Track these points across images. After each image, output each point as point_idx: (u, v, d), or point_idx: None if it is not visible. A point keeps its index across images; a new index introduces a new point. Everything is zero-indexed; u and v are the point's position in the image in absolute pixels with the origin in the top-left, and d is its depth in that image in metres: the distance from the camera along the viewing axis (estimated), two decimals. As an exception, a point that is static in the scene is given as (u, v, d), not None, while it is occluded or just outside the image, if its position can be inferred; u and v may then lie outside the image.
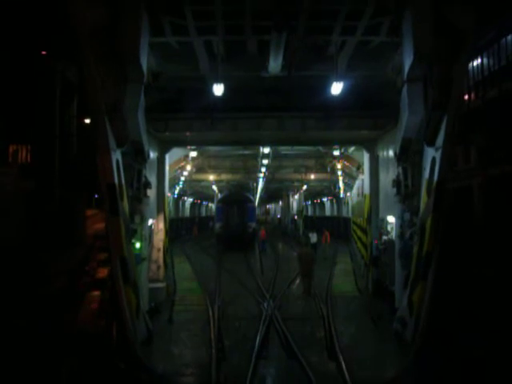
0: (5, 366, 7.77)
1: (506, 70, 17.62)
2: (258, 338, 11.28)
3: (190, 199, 55.80)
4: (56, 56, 19.86)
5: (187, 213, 55.90)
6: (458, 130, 10.56)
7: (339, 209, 46.84)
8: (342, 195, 38.54)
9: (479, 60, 19.71)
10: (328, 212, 54.75)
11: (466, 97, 20.92)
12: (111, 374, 9.00)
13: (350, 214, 34.24)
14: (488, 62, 19.18)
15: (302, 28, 10.48)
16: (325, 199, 54.81)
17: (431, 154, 10.73)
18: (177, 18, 10.47)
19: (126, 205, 10.95)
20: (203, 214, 67.50)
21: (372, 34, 11.37)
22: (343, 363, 9.57)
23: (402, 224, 12.72)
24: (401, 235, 12.72)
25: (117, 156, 10.43)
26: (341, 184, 32.89)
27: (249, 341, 11.23)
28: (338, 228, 43.17)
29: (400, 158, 12.54)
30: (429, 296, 10.48)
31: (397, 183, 12.76)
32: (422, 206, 11.03)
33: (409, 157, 12.39)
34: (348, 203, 36.65)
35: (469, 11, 9.81)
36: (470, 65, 20.72)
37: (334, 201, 48.90)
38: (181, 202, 49.97)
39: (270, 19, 9.96)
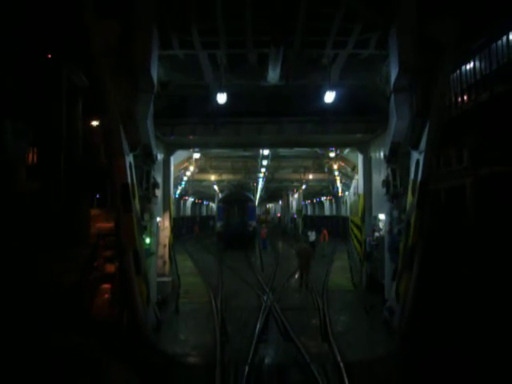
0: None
1: (497, 73, 18.57)
2: (258, 326, 12.29)
3: (191, 199, 56.81)
4: (62, 60, 20.82)
5: (188, 212, 56.91)
6: (443, 134, 11.59)
7: (338, 208, 47.67)
8: (340, 195, 39.36)
9: (471, 64, 20.68)
10: (327, 211, 55.63)
11: (460, 99, 21.91)
12: (126, 354, 10.02)
13: (348, 213, 35.11)
14: (480, 65, 20.12)
15: (298, 43, 11.54)
16: (324, 199, 55.73)
17: (416, 156, 11.78)
18: (184, 34, 11.53)
19: (137, 203, 11.99)
20: (204, 213, 68.52)
21: (361, 48, 12.42)
22: (335, 345, 10.62)
23: (390, 221, 13.75)
24: (390, 231, 13.75)
25: (130, 159, 11.48)
26: (338, 184, 33.88)
27: (250, 328, 12.25)
28: (336, 227, 43.78)
29: (389, 160, 13.53)
30: (413, 286, 11.48)
31: (386, 183, 13.74)
32: (408, 204, 12.08)
33: (397, 159, 13.39)
34: (346, 203, 37.50)
35: (450, 28, 10.83)
36: (463, 68, 21.74)
37: (333, 200, 49.79)
38: (182, 202, 50.96)
39: (268, 34, 11.02)
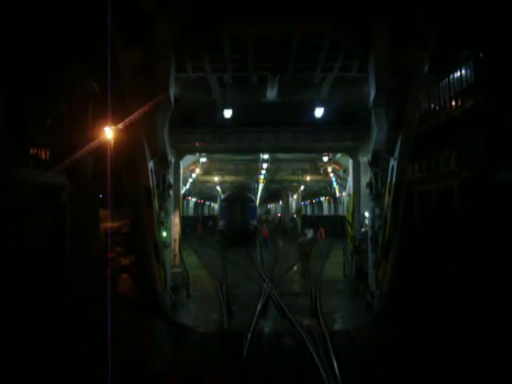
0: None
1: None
2: (258, 306, 14.42)
3: (194, 199, 58.94)
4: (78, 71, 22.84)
5: (191, 212, 59.03)
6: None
7: (336, 208, 49.63)
8: (338, 195, 41.31)
9: (458, 73, 22.60)
10: (326, 211, 57.60)
11: (448, 105, 23.79)
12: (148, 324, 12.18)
13: (345, 213, 37.01)
14: (466, 74, 22.08)
15: (291, 68, 13.76)
16: (322, 199, 57.73)
17: (392, 162, 13.93)
18: (197, 61, 13.74)
19: (156, 202, 14.17)
20: (206, 213, 70.71)
21: (346, 71, 14.62)
22: (322, 320, 12.80)
23: (373, 217, 15.89)
24: (372, 226, 15.90)
25: (151, 165, 13.66)
26: (335, 185, 35.98)
27: (252, 308, 14.34)
28: (334, 226, 45.14)
29: (372, 164, 15.62)
30: (389, 272, 13.60)
31: (369, 185, 15.85)
32: (385, 202, 14.23)
33: (379, 164, 15.53)
34: (344, 203, 39.42)
35: (418, 56, 12.95)
36: (451, 76, 23.69)
37: (331, 200, 51.76)
38: (185, 202, 53.02)
39: (267, 62, 13.22)
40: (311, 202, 65.68)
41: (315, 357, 9.72)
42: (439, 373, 8.84)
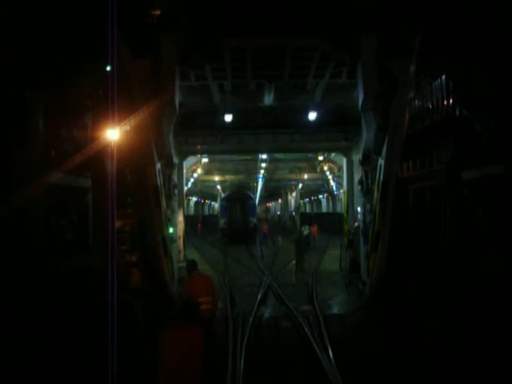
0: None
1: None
2: (259, 295, 15.65)
3: (195, 198, 60.13)
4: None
5: (192, 211, 60.20)
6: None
7: (334, 205, 50.84)
8: (336, 192, 42.48)
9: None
10: (324, 209, 58.83)
11: (441, 104, 24.85)
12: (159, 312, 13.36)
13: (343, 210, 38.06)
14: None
15: (286, 76, 15.00)
16: (321, 196, 58.93)
17: (379, 161, 15.12)
18: (199, 70, 14.96)
19: (163, 201, 15.36)
20: (206, 212, 71.92)
21: (336, 78, 15.86)
22: (317, 306, 14.02)
23: (364, 212, 17.12)
24: (363, 221, 17.12)
25: (158, 166, 14.84)
26: (331, 182, 37.19)
27: (253, 297, 15.59)
28: (333, 223, 46.21)
29: (363, 163, 16.81)
30: (378, 263, 14.79)
31: (360, 182, 17.08)
32: (374, 198, 15.43)
33: (369, 162, 16.72)
34: (342, 200, 40.53)
35: (401, 64, 14.11)
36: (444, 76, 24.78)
37: (330, 198, 52.98)
38: (186, 201, 54.20)
39: (264, 70, 14.45)
40: (310, 200, 66.82)
41: (309, 334, 10.93)
42: (416, 347, 10.03)
